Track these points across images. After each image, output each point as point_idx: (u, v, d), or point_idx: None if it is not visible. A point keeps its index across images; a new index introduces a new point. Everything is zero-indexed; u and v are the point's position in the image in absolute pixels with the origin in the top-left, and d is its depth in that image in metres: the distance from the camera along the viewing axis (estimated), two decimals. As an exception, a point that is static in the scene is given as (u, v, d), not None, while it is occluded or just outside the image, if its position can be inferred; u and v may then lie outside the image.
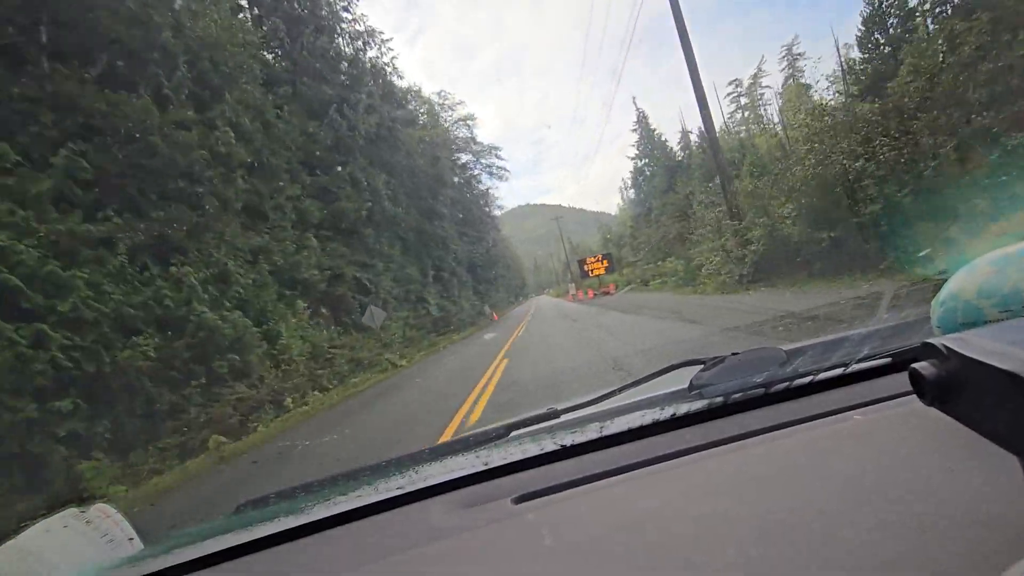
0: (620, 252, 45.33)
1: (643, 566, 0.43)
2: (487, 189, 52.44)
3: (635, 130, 43.98)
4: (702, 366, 0.87)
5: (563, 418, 0.92)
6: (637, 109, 44.85)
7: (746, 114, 36.95)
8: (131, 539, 0.72)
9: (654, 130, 43.11)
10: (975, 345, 0.36)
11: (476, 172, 50.18)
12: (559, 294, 67.88)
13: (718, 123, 39.35)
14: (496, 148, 47.99)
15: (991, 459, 0.39)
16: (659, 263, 26.00)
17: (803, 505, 0.46)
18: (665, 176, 35.06)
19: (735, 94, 36.61)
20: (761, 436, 0.63)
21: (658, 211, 32.23)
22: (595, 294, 32.13)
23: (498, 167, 49.70)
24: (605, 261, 36.88)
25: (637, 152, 43.51)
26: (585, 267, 37.25)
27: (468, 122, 46.63)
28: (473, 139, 47.50)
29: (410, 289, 21.97)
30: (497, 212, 57.60)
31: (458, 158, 44.41)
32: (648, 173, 40.47)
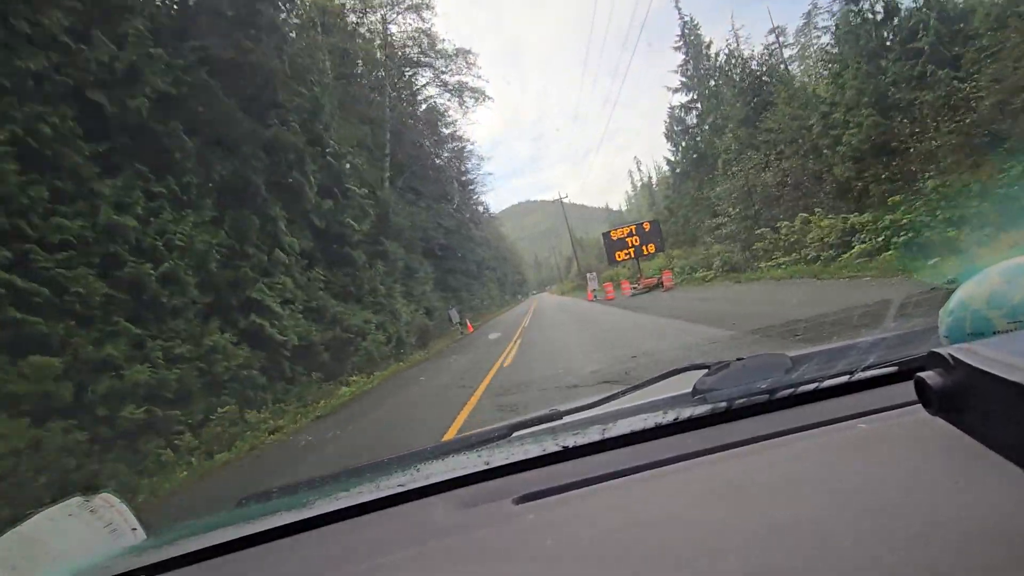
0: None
1: (643, 570, 0.45)
2: (455, 130, 31.87)
3: (678, 46, 27.98)
4: (706, 371, 0.88)
5: (566, 419, 0.94)
6: (681, 17, 27.49)
7: (791, 67, 25.68)
8: (135, 529, 0.74)
9: (707, 45, 27.08)
10: (983, 356, 0.36)
11: (438, 103, 29.72)
12: (563, 291, 58.78)
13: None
14: (467, 52, 28.36)
15: (997, 471, 0.39)
16: (775, 228, 14.70)
17: (805, 513, 0.47)
18: (745, 100, 21.77)
19: (774, 45, 25.82)
20: (764, 442, 0.65)
21: (732, 155, 20.50)
22: (633, 289, 20.29)
23: (472, 89, 29.04)
24: (651, 243, 22.69)
25: (681, 82, 27.94)
26: (613, 243, 23.29)
27: (421, 10, 24.86)
28: (426, 34, 25.84)
29: (203, 282, 8.63)
30: (478, 165, 39.58)
31: (403, 74, 26.23)
32: (701, 108, 27.26)
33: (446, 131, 32.73)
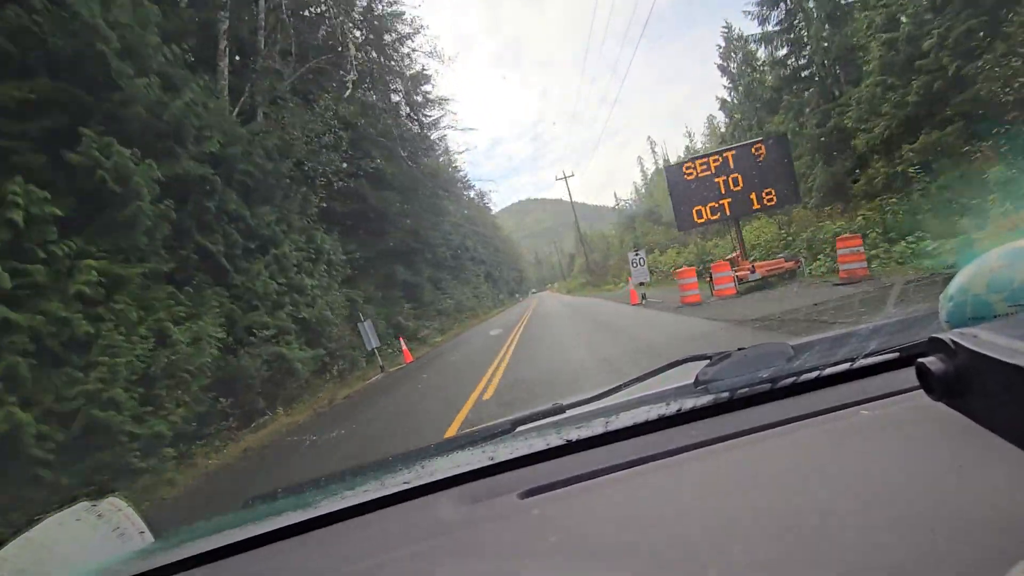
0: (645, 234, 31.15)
1: (648, 562, 0.46)
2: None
3: None
4: (708, 361, 0.90)
5: (568, 413, 0.96)
6: None
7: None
8: (142, 532, 0.76)
9: None
10: (984, 340, 0.37)
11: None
12: (569, 289, 52.32)
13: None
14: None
15: (1000, 454, 0.40)
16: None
17: (809, 501, 0.49)
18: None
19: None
20: (767, 431, 0.68)
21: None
22: (739, 281, 10.29)
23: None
24: (768, 189, 10.68)
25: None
26: (688, 190, 11.27)
27: None
28: None
29: None
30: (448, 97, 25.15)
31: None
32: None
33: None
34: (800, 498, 0.49)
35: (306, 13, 14.76)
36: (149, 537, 0.79)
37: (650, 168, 56.61)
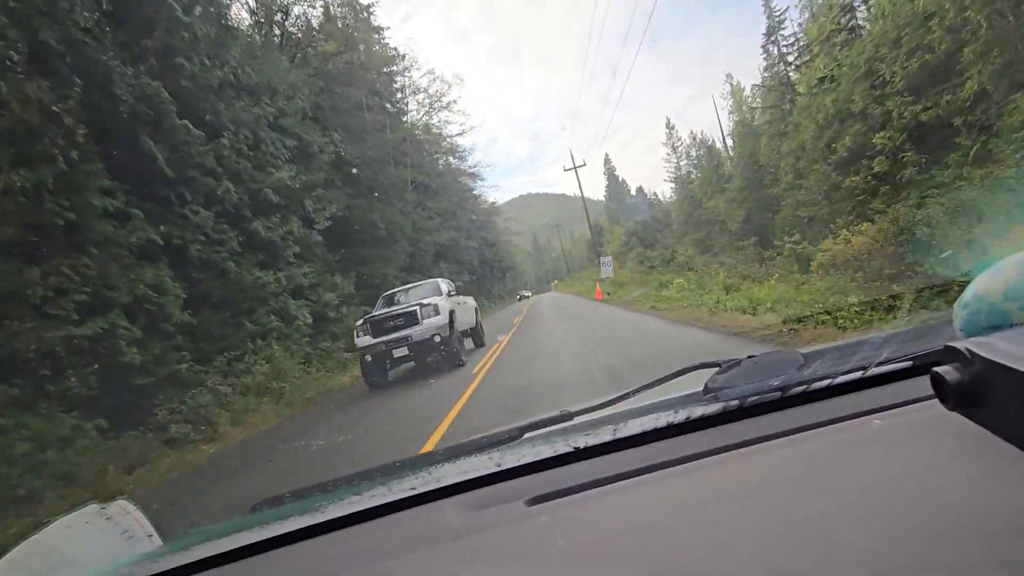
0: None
1: (655, 570, 0.46)
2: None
3: None
4: (717, 368, 0.90)
5: (576, 420, 0.97)
6: None
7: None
8: (150, 536, 0.77)
9: None
10: (1000, 349, 0.37)
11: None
12: (627, 290, 27.38)
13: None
14: None
15: (1016, 465, 0.40)
16: None
17: (819, 510, 0.49)
18: None
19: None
20: (777, 440, 0.67)
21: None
22: None
23: None
24: None
25: None
26: None
27: None
28: None
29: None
30: None
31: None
32: None
33: None
34: (810, 508, 0.49)
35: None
36: (157, 540, 0.80)
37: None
